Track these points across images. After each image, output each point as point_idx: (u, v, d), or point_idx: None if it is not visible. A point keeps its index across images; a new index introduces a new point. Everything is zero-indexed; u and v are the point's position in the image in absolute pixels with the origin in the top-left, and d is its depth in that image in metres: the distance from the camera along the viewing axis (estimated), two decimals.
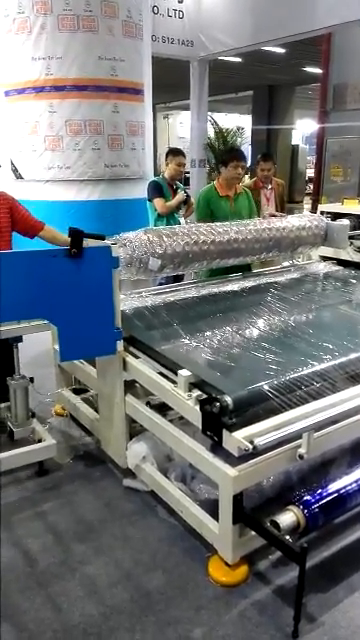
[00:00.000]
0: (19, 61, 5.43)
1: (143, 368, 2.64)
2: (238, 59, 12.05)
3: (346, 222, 4.11)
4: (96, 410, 3.18)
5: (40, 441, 3.04)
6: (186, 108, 12.20)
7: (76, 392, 3.53)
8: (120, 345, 2.72)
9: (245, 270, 4.05)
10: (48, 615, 2.10)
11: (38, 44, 5.31)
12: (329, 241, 4.11)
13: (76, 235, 2.44)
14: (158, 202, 4.62)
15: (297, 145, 18.68)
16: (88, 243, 2.55)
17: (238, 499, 2.11)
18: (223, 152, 4.23)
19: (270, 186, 5.20)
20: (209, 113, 10.94)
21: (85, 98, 5.44)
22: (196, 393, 2.27)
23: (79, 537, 2.53)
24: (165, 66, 9.04)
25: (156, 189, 4.68)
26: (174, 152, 4.88)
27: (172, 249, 3.15)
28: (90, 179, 5.59)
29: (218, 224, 3.51)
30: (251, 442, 1.97)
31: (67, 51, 5.31)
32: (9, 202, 3.19)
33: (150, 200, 4.72)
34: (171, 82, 10.63)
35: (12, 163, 5.67)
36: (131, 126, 5.79)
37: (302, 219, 3.99)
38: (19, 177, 5.66)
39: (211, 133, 12.13)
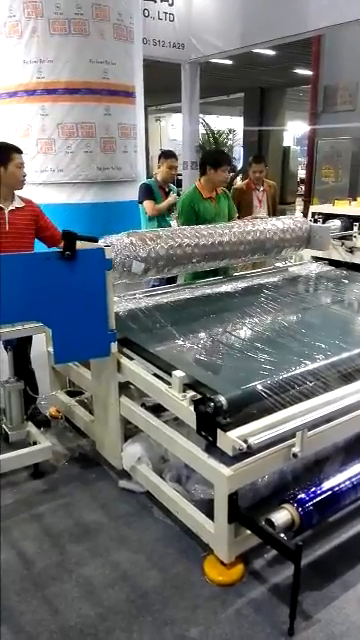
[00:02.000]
0: (10, 64, 5.45)
1: (137, 370, 2.65)
2: (229, 61, 12.10)
3: (329, 224, 4.13)
4: (91, 412, 3.19)
5: (35, 443, 3.04)
6: (178, 110, 12.25)
7: (71, 394, 3.54)
8: (114, 347, 2.72)
9: (226, 273, 4.02)
10: (45, 616, 2.11)
11: (29, 47, 5.33)
12: (312, 243, 4.08)
13: (69, 238, 2.45)
14: (148, 204, 4.63)
15: (289, 146, 18.77)
16: (81, 245, 2.56)
17: (233, 498, 2.13)
18: (211, 154, 4.14)
19: (262, 188, 5.23)
20: (201, 115, 10.98)
21: (77, 101, 5.47)
22: (190, 394, 2.28)
23: (75, 539, 2.53)
24: (157, 69, 9.07)
25: (146, 192, 4.70)
26: (166, 154, 4.89)
27: (156, 252, 3.12)
28: (83, 182, 5.62)
29: (202, 227, 3.49)
30: (245, 441, 1.99)
31: (58, 54, 5.34)
32: (36, 210, 3.30)
33: (141, 202, 4.74)
34: (163, 85, 10.67)
35: None
36: (123, 129, 5.82)
37: (286, 221, 3.96)
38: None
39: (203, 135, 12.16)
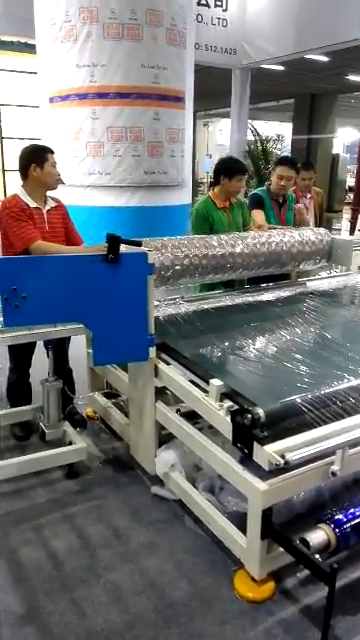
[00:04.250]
0: (64, 68, 5.56)
1: (174, 375, 2.63)
2: (281, 67, 11.99)
3: (351, 238, 3.93)
4: (126, 415, 3.19)
5: (71, 443, 3.06)
6: (226, 115, 12.22)
7: (108, 396, 3.55)
8: (152, 352, 2.71)
9: (240, 285, 3.81)
10: (72, 619, 2.10)
11: (83, 52, 5.42)
12: (333, 257, 3.88)
13: (113, 241, 2.45)
14: (256, 214, 4.02)
15: (338, 154, 18.45)
16: (125, 249, 2.56)
17: (267, 514, 2.07)
18: (225, 162, 3.87)
19: (309, 195, 5.13)
20: (249, 121, 10.91)
21: (127, 105, 5.52)
22: (227, 404, 2.24)
23: (105, 542, 2.53)
24: (207, 74, 9.07)
25: (254, 201, 4.14)
26: (279, 161, 4.25)
27: (160, 263, 2.97)
28: (129, 185, 5.66)
29: (213, 237, 3.34)
30: (283, 457, 1.93)
31: (111, 59, 5.40)
32: (64, 209, 3.34)
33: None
34: (212, 90, 10.66)
35: None
36: (171, 133, 5.83)
37: (305, 233, 3.75)
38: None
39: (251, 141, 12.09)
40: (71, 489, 2.94)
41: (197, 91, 6.56)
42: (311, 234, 3.77)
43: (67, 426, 3.19)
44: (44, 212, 3.19)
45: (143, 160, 5.63)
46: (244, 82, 9.82)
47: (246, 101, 10.09)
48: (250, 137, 12.01)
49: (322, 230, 3.93)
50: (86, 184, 5.61)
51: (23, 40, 7.91)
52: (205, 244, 3.22)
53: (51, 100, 5.80)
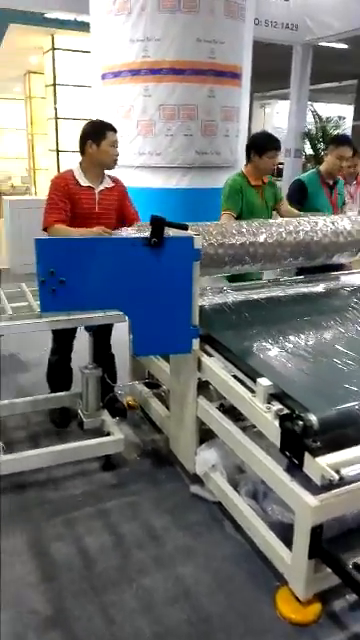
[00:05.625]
0: (117, 43, 5.36)
1: (219, 371, 2.44)
2: (344, 45, 11.36)
3: None
4: (167, 407, 3.04)
5: (109, 434, 2.94)
6: (284, 97, 11.74)
7: (149, 386, 3.41)
8: (196, 344, 2.53)
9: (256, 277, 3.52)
10: (100, 626, 1.98)
11: (137, 25, 5.18)
12: None
13: (158, 224, 2.27)
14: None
15: None
16: (169, 233, 2.38)
17: (317, 532, 1.87)
18: (257, 138, 3.67)
19: (355, 181, 4.76)
20: (309, 102, 10.43)
21: (181, 82, 5.26)
22: (276, 406, 2.03)
23: (140, 543, 2.39)
24: (265, 54, 8.67)
25: (296, 191, 3.86)
26: (338, 141, 3.94)
27: None
28: (180, 166, 5.43)
29: (234, 224, 3.05)
30: (337, 472, 1.72)
31: (166, 33, 5.14)
32: (122, 189, 3.21)
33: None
34: (271, 70, 10.22)
35: None
36: (226, 112, 5.55)
37: (340, 222, 3.33)
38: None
39: (309, 123, 11.60)
40: (107, 482, 2.82)
41: (255, 71, 6.23)
42: (347, 223, 3.36)
43: (106, 415, 3.07)
44: (96, 192, 3.04)
45: (195, 140, 5.38)
46: (305, 60, 9.35)
47: (306, 81, 9.63)
48: (309, 119, 11.51)
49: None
50: (136, 164, 5.43)
51: (80, 19, 7.77)
52: (224, 232, 2.88)
53: (103, 77, 5.61)
